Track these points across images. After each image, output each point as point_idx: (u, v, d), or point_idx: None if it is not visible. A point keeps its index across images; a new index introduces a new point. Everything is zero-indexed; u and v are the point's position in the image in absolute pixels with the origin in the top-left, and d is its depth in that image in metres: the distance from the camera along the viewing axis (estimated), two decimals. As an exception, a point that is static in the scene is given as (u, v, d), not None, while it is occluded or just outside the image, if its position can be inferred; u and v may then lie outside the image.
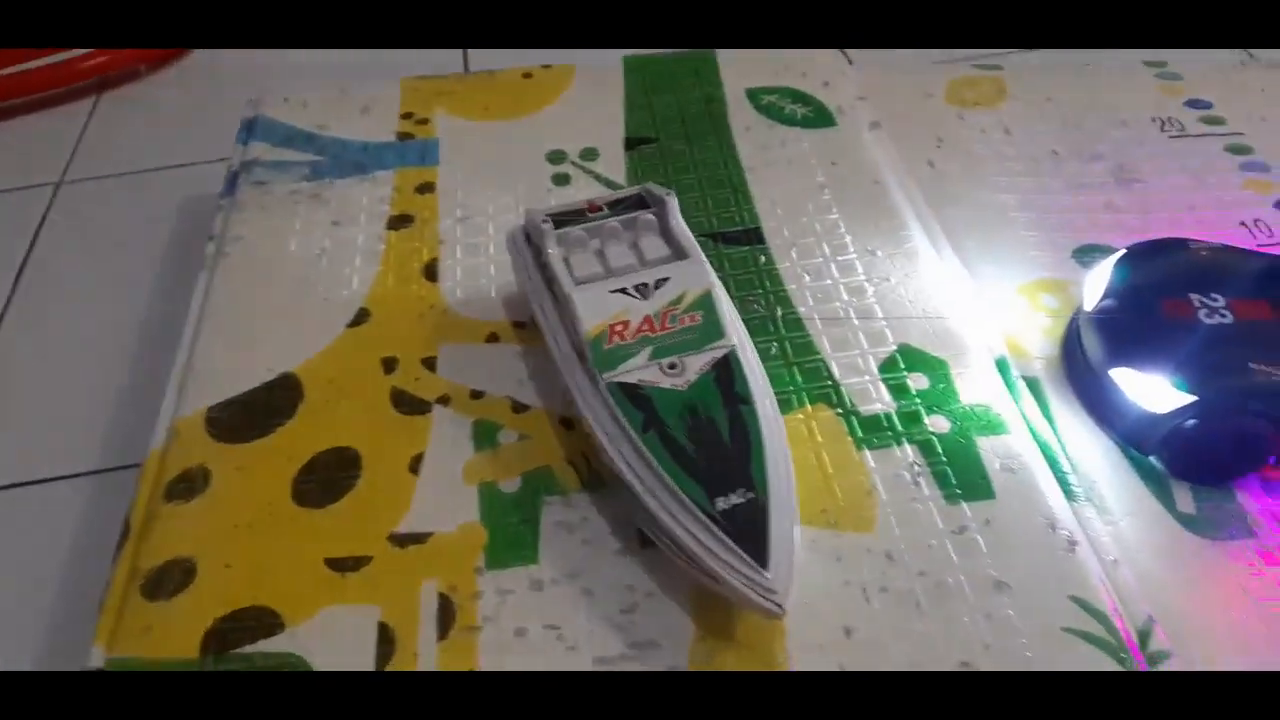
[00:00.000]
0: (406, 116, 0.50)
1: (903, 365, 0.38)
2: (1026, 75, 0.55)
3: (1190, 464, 0.36)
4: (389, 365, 0.39)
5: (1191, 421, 0.35)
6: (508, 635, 0.31)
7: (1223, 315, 0.37)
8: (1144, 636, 0.31)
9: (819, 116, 0.50)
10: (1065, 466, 0.35)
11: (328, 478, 0.35)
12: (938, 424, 0.36)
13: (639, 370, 0.33)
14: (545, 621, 0.31)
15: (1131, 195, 0.48)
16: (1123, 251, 0.41)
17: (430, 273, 0.42)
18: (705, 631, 0.31)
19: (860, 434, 0.36)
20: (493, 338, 0.40)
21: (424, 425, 0.37)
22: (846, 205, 0.45)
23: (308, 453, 0.36)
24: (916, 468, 0.35)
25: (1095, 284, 0.40)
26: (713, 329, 0.34)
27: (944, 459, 0.35)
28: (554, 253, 0.36)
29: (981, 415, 0.36)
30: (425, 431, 0.37)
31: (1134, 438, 0.37)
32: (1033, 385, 0.39)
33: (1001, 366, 0.38)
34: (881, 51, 0.61)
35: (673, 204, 0.37)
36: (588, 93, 0.51)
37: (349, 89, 0.52)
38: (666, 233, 0.37)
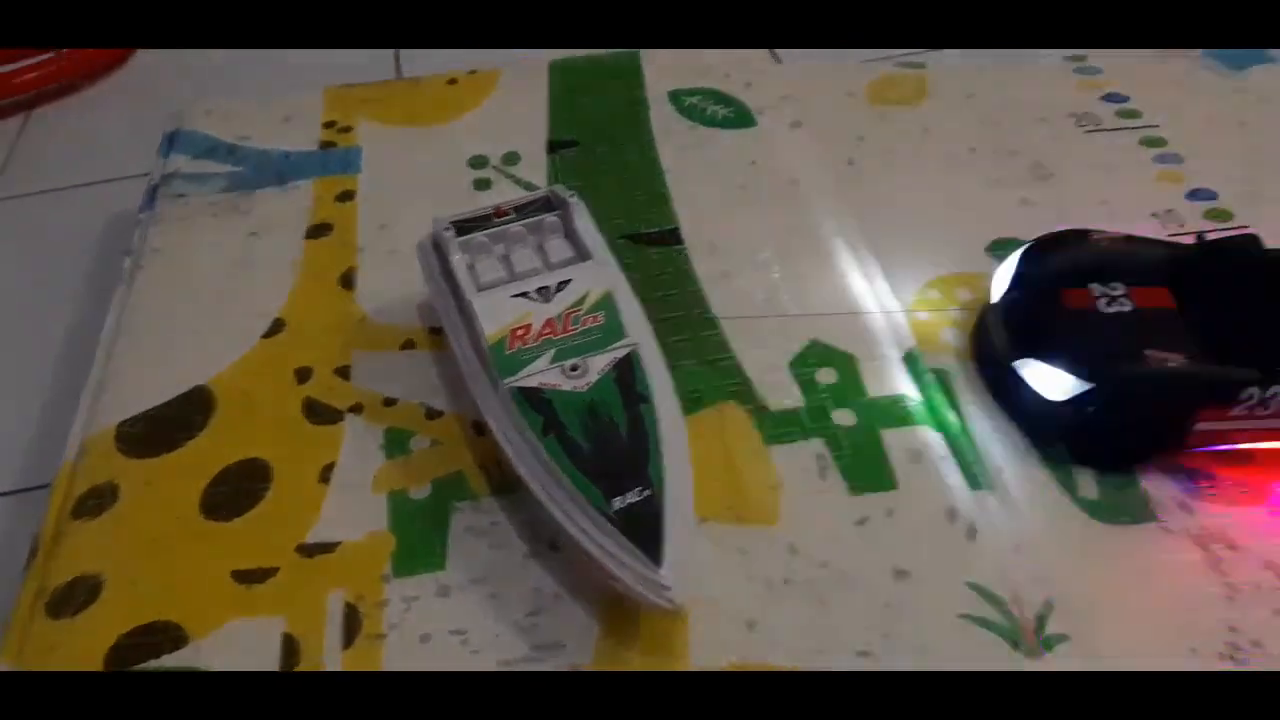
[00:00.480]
0: (329, 125, 0.50)
1: (813, 361, 0.38)
2: (948, 73, 0.56)
3: (1092, 451, 0.36)
4: (303, 375, 0.39)
5: (1089, 409, 0.35)
6: (412, 642, 0.31)
7: (1122, 304, 0.37)
8: (1041, 621, 0.31)
9: (740, 117, 0.50)
10: (970, 456, 0.36)
11: (237, 490, 0.35)
12: (844, 418, 0.36)
13: (540, 374, 0.33)
14: (451, 627, 0.31)
15: (1047, 190, 0.49)
16: (1028, 244, 0.41)
17: (347, 281, 0.42)
18: (610, 631, 0.31)
19: (769, 429, 0.36)
20: (408, 345, 0.40)
21: (335, 434, 0.37)
22: (763, 204, 0.45)
23: (218, 465, 0.36)
24: (822, 461, 0.35)
25: (1001, 277, 0.40)
26: (614, 329, 0.34)
27: (849, 451, 0.35)
28: (457, 259, 0.36)
29: (887, 408, 0.37)
30: (337, 441, 0.37)
31: (1038, 426, 0.37)
32: (942, 377, 0.39)
33: (910, 360, 0.39)
34: (812, 51, 0.61)
35: (577, 205, 0.37)
36: (512, 97, 0.51)
37: (272, 98, 0.52)
38: (571, 235, 0.37)
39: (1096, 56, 0.58)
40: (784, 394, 0.37)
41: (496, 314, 0.34)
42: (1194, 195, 0.49)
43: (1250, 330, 0.36)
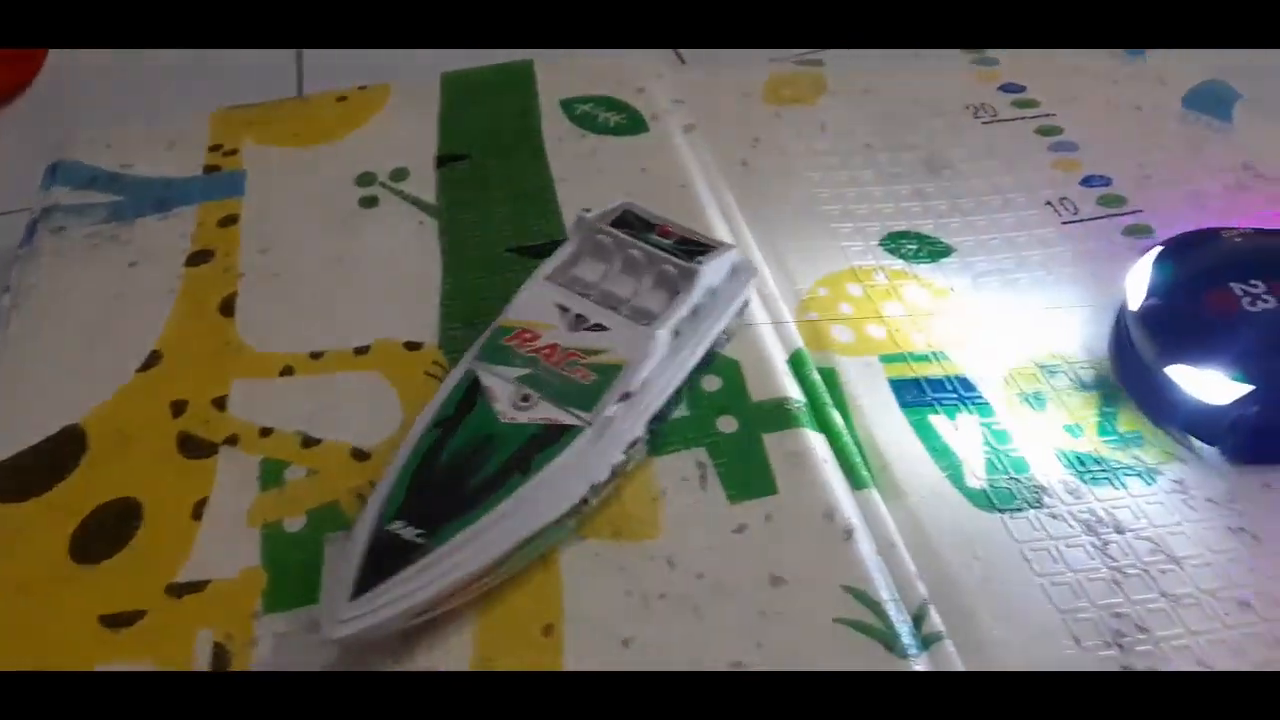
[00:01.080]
0: (215, 149, 0.49)
1: (699, 368, 0.38)
2: (847, 69, 0.56)
3: (1255, 448, 0.36)
4: (178, 408, 0.38)
5: (1254, 409, 0.35)
6: (282, 678, 0.30)
7: (1265, 300, 0.37)
8: (918, 620, 0.31)
9: (632, 123, 0.50)
10: (854, 456, 0.36)
11: (108, 531, 0.34)
12: (727, 424, 0.36)
13: (499, 380, 0.32)
14: (321, 665, 0.30)
15: (941, 182, 0.49)
16: (1160, 248, 0.41)
17: (227, 308, 0.41)
18: (483, 654, 0.30)
19: (653, 440, 0.36)
20: (287, 371, 0.39)
21: (209, 468, 0.36)
22: (652, 210, 0.45)
23: (88, 506, 0.35)
24: (703, 469, 0.35)
25: (1136, 282, 0.40)
26: (589, 397, 0.32)
27: (730, 459, 0.35)
28: (571, 243, 0.36)
29: (770, 412, 0.36)
30: (210, 474, 0.36)
31: (1196, 430, 0.37)
32: (829, 376, 0.39)
33: (796, 361, 0.39)
34: (715, 51, 0.61)
35: (707, 275, 0.35)
36: (402, 112, 0.51)
37: (157, 124, 0.51)
38: (670, 296, 0.35)
39: (994, 48, 0.58)
40: (669, 404, 0.37)
41: (531, 306, 0.34)
42: (1087, 182, 0.49)
43: None
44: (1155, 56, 0.57)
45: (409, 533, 0.29)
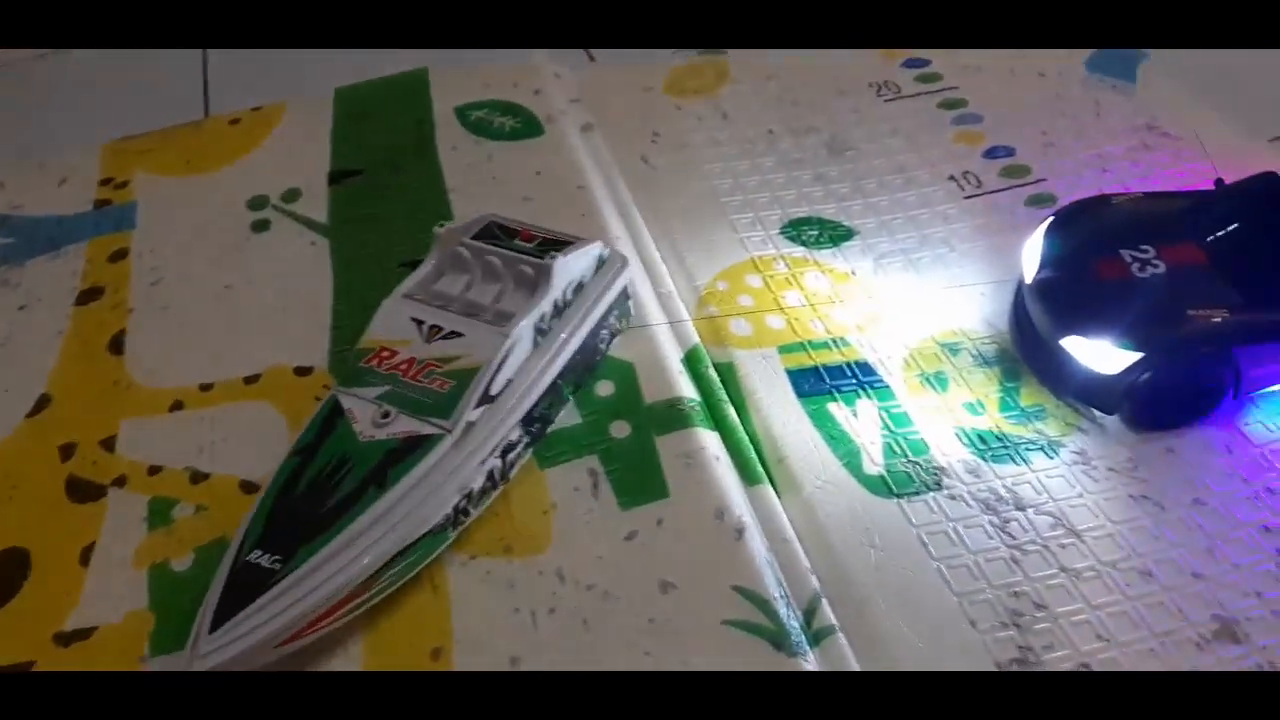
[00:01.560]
0: (106, 182, 0.48)
1: (592, 374, 0.38)
2: (751, 56, 0.55)
3: (1152, 415, 0.36)
4: (66, 451, 0.37)
5: (1144, 377, 0.35)
6: (169, 723, 0.30)
7: (1155, 266, 0.37)
8: (809, 615, 0.31)
9: (527, 127, 0.49)
10: (747, 451, 0.35)
11: (-6, 583, 0.34)
12: (620, 429, 0.36)
13: (359, 400, 0.32)
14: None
15: (843, 165, 0.49)
16: (1050, 218, 0.40)
17: (116, 346, 0.41)
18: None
19: (543, 452, 0.35)
20: (177, 406, 0.38)
21: (98, 511, 0.35)
22: (548, 215, 0.44)
23: (-26, 559, 0.34)
24: (595, 477, 0.34)
25: (1030, 255, 0.39)
26: (446, 404, 0.32)
27: (622, 464, 0.35)
28: (430, 259, 0.36)
29: (663, 413, 0.36)
30: (99, 518, 0.35)
31: (1092, 400, 0.37)
32: (727, 371, 0.39)
33: (691, 358, 0.38)
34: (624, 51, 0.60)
35: (564, 270, 0.35)
36: (296, 131, 0.50)
37: (48, 162, 0.50)
38: (531, 296, 0.35)
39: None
40: (563, 414, 0.36)
41: (388, 324, 0.33)
42: (991, 153, 0.49)
43: (1276, 271, 0.36)
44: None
45: (266, 560, 0.29)
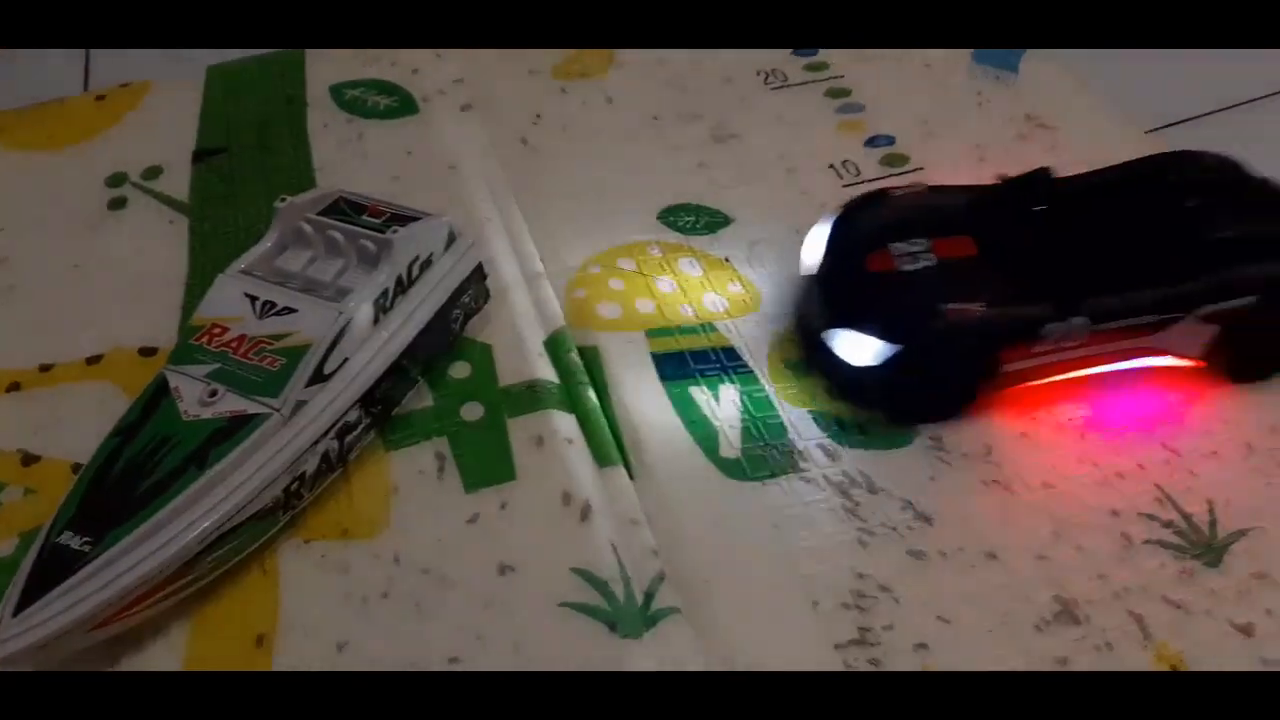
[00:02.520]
0: (-42, 158, 0.46)
1: (448, 356, 0.37)
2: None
3: (908, 410, 0.36)
4: (-109, 435, 0.35)
5: (898, 371, 0.35)
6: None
7: (926, 259, 0.36)
8: (649, 598, 0.30)
9: (403, 105, 0.48)
10: (603, 434, 0.35)
11: None
12: (472, 411, 0.35)
13: (187, 379, 0.31)
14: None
15: (726, 151, 0.48)
16: (837, 212, 0.40)
17: (-46, 327, 0.39)
18: (192, 660, 0.29)
19: (389, 435, 0.34)
20: (13, 387, 0.37)
21: (-80, 496, 0.34)
22: (418, 194, 0.43)
23: None
24: (441, 460, 0.34)
25: (811, 247, 0.39)
26: (275, 383, 0.30)
27: (471, 447, 0.34)
28: (270, 234, 0.34)
29: (518, 395, 0.35)
30: (-81, 503, 0.33)
31: (853, 394, 0.37)
32: (591, 354, 0.38)
33: (554, 342, 0.38)
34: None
35: (405, 245, 0.34)
36: (161, 108, 0.48)
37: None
38: (373, 271, 0.34)
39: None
40: (413, 396, 0.36)
41: (220, 301, 0.32)
42: (872, 142, 0.49)
43: (1044, 265, 0.36)
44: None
45: (75, 542, 0.27)
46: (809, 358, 0.38)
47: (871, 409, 0.36)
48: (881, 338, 0.35)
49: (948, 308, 0.35)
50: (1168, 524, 0.34)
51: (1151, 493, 0.34)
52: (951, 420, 0.36)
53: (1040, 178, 0.38)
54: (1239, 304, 0.35)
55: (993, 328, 0.35)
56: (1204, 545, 0.33)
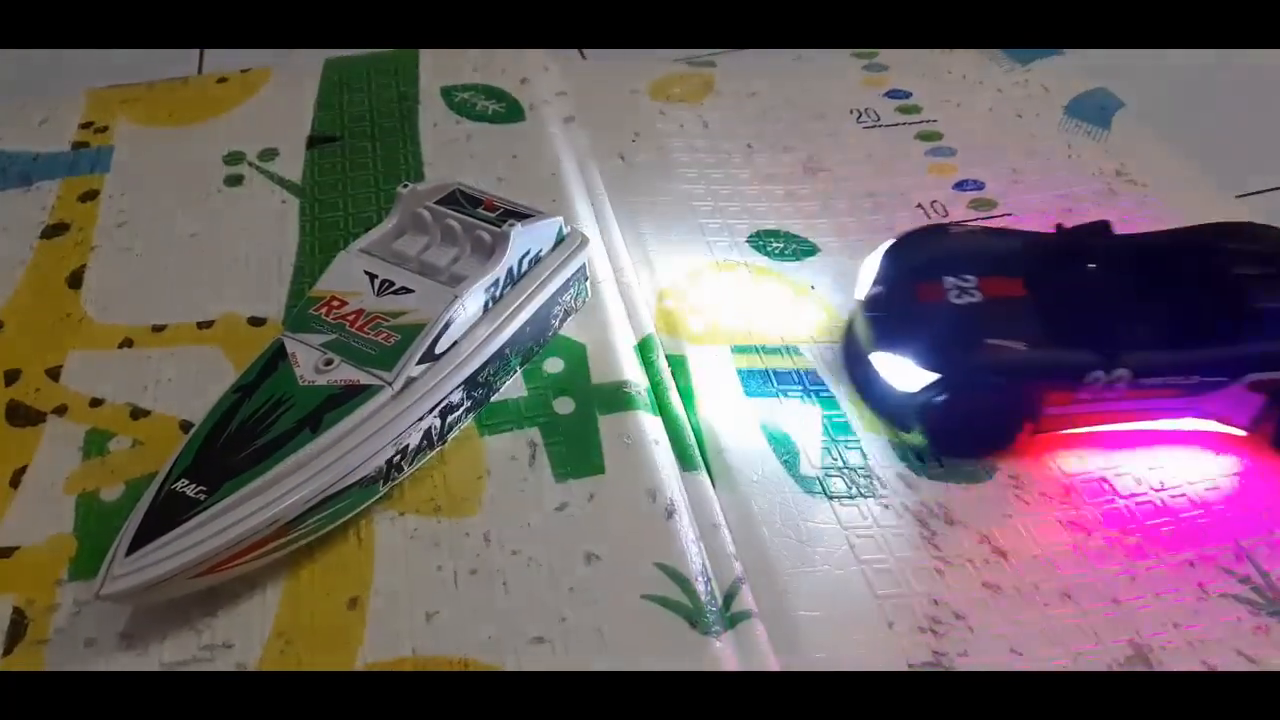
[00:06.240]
0: (86, 126, 0.49)
1: (544, 351, 0.38)
2: (735, 71, 0.56)
3: (947, 437, 0.37)
4: (11, 377, 0.37)
5: (939, 398, 0.35)
6: (77, 646, 0.30)
7: (972, 295, 0.37)
8: (729, 599, 0.31)
9: (510, 112, 0.50)
10: (688, 439, 0.36)
11: (-78, 498, 0.33)
12: (564, 405, 0.36)
13: (305, 346, 0.32)
14: (119, 630, 0.30)
15: (815, 184, 0.49)
16: (891, 241, 0.41)
17: (75, 280, 0.41)
18: (282, 628, 0.30)
19: (484, 420, 0.35)
20: (126, 343, 0.38)
21: (34, 437, 0.35)
22: (519, 197, 0.44)
23: (-95, 472, 0.34)
24: (533, 448, 0.34)
25: (866, 273, 0.40)
26: (389, 358, 0.32)
27: (562, 439, 0.35)
28: (391, 217, 0.36)
29: (609, 394, 0.36)
30: (34, 443, 0.35)
31: (895, 417, 0.37)
32: (678, 362, 0.39)
33: (644, 346, 0.39)
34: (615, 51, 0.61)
35: (520, 239, 0.35)
36: (279, 95, 0.50)
37: (29, 99, 0.50)
38: (486, 262, 0.35)
39: (887, 54, 0.59)
40: (509, 385, 0.37)
41: (341, 275, 0.34)
42: (961, 186, 0.50)
43: (1089, 314, 0.36)
44: (1040, 65, 0.58)
45: (191, 489, 0.29)
46: (854, 378, 0.39)
47: (909, 431, 0.37)
48: (923, 365, 0.36)
49: (988, 342, 0.36)
50: (1244, 579, 0.34)
51: (1230, 548, 0.34)
52: (989, 455, 0.37)
53: (1097, 230, 0.39)
54: None
55: (1031, 368, 0.36)
56: (1283, 604, 0.33)
